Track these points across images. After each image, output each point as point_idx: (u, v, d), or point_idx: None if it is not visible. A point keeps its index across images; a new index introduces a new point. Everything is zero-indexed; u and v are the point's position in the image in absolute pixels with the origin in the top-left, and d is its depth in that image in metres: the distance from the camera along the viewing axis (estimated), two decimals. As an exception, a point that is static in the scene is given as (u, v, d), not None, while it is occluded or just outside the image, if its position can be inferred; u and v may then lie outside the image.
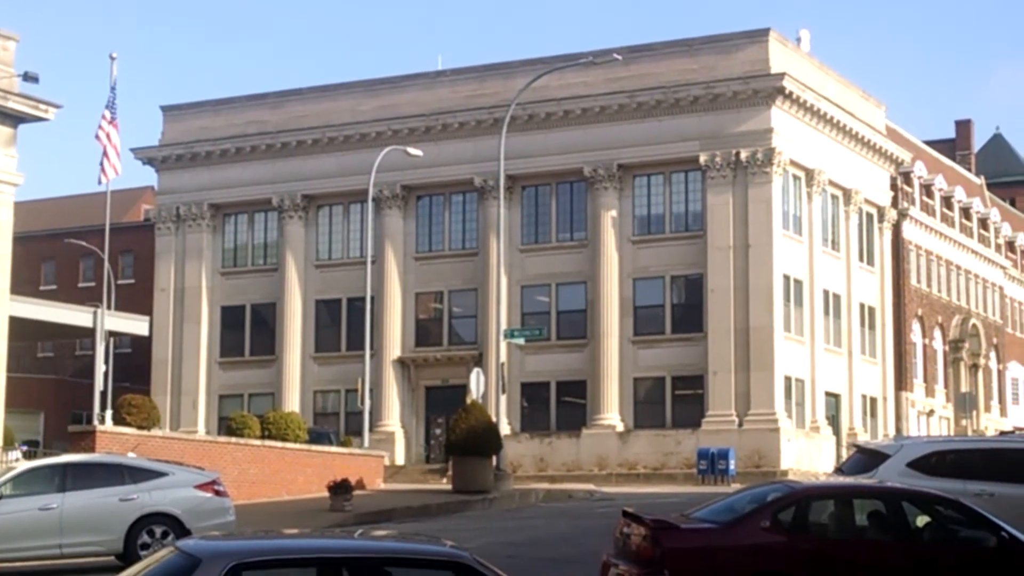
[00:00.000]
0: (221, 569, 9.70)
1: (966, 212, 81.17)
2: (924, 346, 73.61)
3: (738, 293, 58.07)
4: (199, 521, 23.96)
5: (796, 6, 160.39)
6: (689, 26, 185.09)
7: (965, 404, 72.94)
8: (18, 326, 36.06)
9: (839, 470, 23.54)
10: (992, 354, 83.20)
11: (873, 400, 67.13)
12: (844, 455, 53.82)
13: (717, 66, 59.72)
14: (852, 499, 16.28)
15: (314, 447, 44.20)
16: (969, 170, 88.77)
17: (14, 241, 34.11)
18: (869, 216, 68.27)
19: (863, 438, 60.38)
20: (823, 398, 61.67)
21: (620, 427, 59.31)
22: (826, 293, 62.99)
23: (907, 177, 72.47)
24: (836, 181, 64.16)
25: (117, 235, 62.84)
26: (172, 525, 24.00)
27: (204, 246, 68.39)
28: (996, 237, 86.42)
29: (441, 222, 64.62)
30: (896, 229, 70.71)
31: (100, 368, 41.29)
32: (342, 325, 65.11)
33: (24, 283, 59.69)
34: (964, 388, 76.28)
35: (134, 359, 71.69)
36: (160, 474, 24.77)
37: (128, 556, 23.23)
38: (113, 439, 35.68)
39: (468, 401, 44.53)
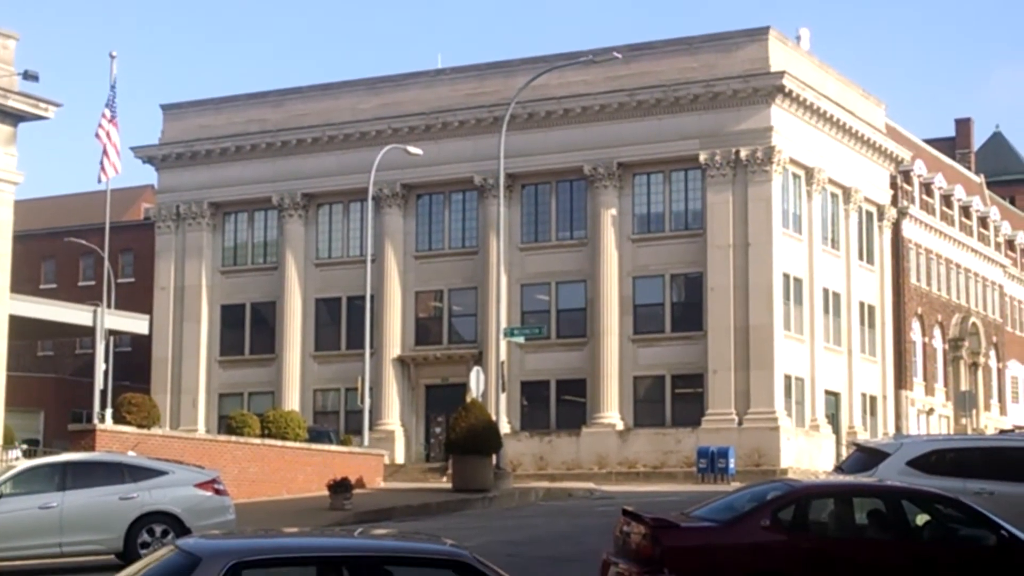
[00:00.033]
0: (221, 568, 9.71)
1: (966, 211, 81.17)
2: (924, 344, 73.62)
3: (738, 292, 58.07)
4: (199, 520, 23.97)
5: (796, 5, 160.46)
6: (689, 25, 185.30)
7: (965, 403, 72.94)
8: (18, 325, 36.07)
9: (839, 469, 23.54)
10: (992, 352, 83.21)
11: (873, 399, 67.14)
12: (844, 454, 53.83)
13: (717, 64, 59.73)
14: (852, 498, 16.27)
15: (314, 446, 44.19)
16: (969, 168, 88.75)
17: (14, 240, 34.12)
18: (869, 215, 68.27)
19: (863, 437, 60.38)
20: (823, 396, 61.68)
21: (620, 426, 59.32)
22: (826, 292, 62.99)
23: (907, 176, 72.48)
24: (836, 179, 64.17)
25: (117, 234, 62.85)
26: (172, 524, 24.01)
27: (204, 245, 68.40)
28: (996, 236, 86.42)
29: (441, 220, 64.63)
30: (896, 228, 70.71)
31: (100, 367, 41.27)
32: (342, 324, 65.12)
33: (24, 282, 59.68)
34: (964, 387, 76.29)
35: (134, 358, 71.69)
36: (160, 473, 24.78)
37: (128, 555, 23.24)
38: (113, 438, 35.68)
39: (468, 400, 44.54)
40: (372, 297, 55.67)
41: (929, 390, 73.82)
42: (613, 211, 60.68)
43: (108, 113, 41.43)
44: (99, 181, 42.43)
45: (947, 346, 76.87)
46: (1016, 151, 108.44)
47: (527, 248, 62.31)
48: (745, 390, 57.57)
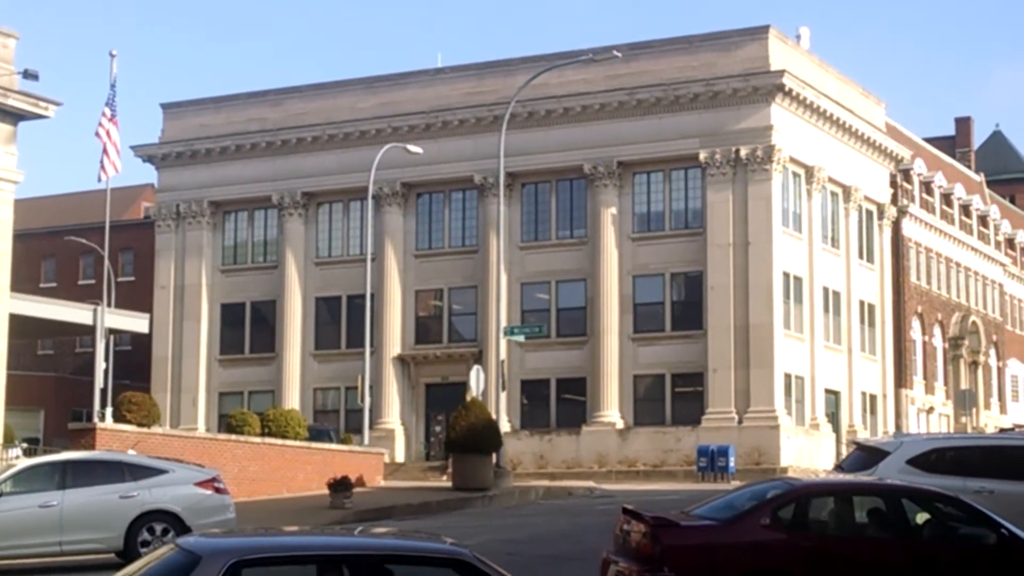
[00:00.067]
0: (221, 566, 9.70)
1: (966, 209, 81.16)
2: (924, 343, 73.63)
3: (738, 290, 58.08)
4: (199, 518, 23.97)
5: (796, 3, 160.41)
6: (689, 23, 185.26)
7: (965, 401, 72.97)
8: (18, 323, 36.09)
9: (839, 467, 23.54)
10: (992, 351, 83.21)
11: (873, 397, 67.14)
12: (844, 452, 53.81)
13: (717, 63, 59.72)
14: (852, 496, 16.26)
15: (314, 444, 44.19)
16: (969, 167, 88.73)
17: (14, 238, 34.15)
18: (869, 213, 68.27)
19: (863, 435, 60.40)
20: (823, 395, 61.68)
21: (620, 424, 59.32)
22: (826, 290, 62.99)
23: (907, 174, 72.48)
24: (836, 178, 64.17)
25: (117, 232, 62.83)
26: (172, 522, 24.01)
27: (204, 243, 68.40)
28: (996, 234, 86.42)
29: (441, 219, 64.63)
30: (896, 226, 70.71)
31: (100, 365, 41.26)
32: (342, 322, 65.13)
33: (24, 281, 59.68)
34: (964, 385, 76.30)
35: (134, 356, 71.69)
36: (160, 471, 24.78)
37: (128, 553, 23.23)
38: (113, 436, 35.67)
39: (468, 398, 44.54)
40: (372, 296, 55.66)
41: (929, 389, 73.83)
42: (613, 210, 60.67)
43: (108, 112, 41.41)
44: (99, 180, 42.42)
45: (947, 345, 76.87)
46: (1016, 150, 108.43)
47: (527, 247, 62.31)
48: (745, 389, 57.57)
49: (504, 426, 46.89)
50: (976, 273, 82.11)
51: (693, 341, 58.94)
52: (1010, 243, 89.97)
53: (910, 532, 15.86)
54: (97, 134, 41.28)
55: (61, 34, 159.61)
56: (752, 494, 16.30)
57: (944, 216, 77.52)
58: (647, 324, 60.11)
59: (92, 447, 33.58)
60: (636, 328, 60.14)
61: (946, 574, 15.39)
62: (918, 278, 73.17)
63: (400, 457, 61.32)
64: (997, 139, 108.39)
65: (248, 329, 67.84)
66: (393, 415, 63.31)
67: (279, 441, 42.04)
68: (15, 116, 32.85)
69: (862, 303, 66.54)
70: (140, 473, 24.55)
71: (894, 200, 70.29)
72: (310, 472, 41.34)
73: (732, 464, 53.41)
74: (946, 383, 76.25)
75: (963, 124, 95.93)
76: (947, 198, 78.30)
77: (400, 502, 37.17)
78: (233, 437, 40.79)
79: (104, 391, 44.20)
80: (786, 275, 59.44)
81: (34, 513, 23.67)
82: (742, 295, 57.97)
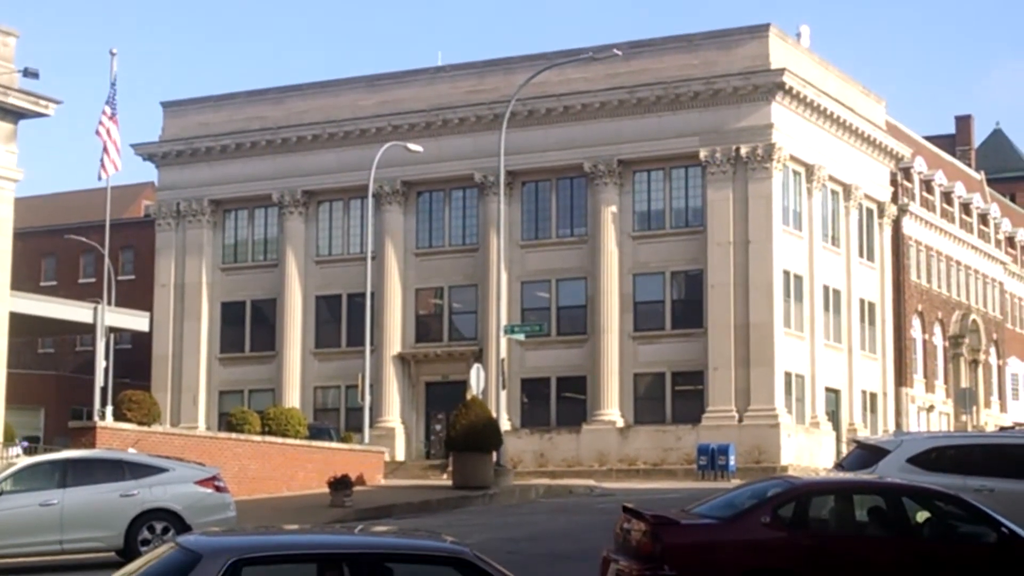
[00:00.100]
0: (222, 565, 9.70)
1: (966, 208, 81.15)
2: (924, 342, 73.61)
3: (738, 289, 58.07)
4: (199, 517, 23.97)
5: (796, 2, 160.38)
6: (689, 22, 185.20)
7: (965, 400, 72.95)
8: (18, 322, 36.08)
9: (839, 466, 23.52)
10: (992, 350, 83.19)
11: (873, 396, 67.14)
12: (844, 451, 53.81)
13: (717, 62, 59.71)
14: (852, 495, 16.26)
15: (314, 443, 44.20)
16: (969, 166, 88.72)
17: (14, 237, 34.14)
18: (869, 212, 68.26)
19: (863, 434, 60.38)
20: (823, 394, 61.67)
21: (620, 423, 59.33)
22: (826, 289, 62.99)
23: (907, 173, 72.46)
24: (836, 177, 64.17)
25: (117, 231, 62.86)
26: (173, 521, 24.01)
27: (204, 242, 68.39)
28: (996, 233, 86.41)
29: (441, 218, 64.62)
30: (896, 225, 70.70)
31: (100, 364, 41.22)
32: (342, 321, 65.13)
33: (24, 279, 59.66)
34: (964, 384, 76.29)
35: (134, 355, 71.70)
36: (160, 470, 24.79)
37: (129, 552, 23.24)
38: (113, 435, 35.68)
39: (468, 397, 44.56)
40: (372, 294, 55.67)
41: (929, 387, 73.82)
42: (613, 208, 60.67)
43: (108, 110, 41.39)
44: (99, 178, 42.40)
45: (947, 343, 76.86)
46: (1016, 148, 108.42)
47: (527, 245, 62.31)
48: (745, 387, 57.57)
49: (504, 424, 46.88)
50: (976, 271, 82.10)
51: (693, 339, 58.94)
52: (1010, 241, 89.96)
53: (910, 531, 15.85)
54: (97, 132, 41.27)
55: (61, 32, 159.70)
56: (752, 492, 16.29)
57: (944, 214, 77.51)
58: (647, 322, 60.11)
59: (92, 446, 33.58)
60: (636, 326, 60.15)
61: (946, 572, 15.39)
62: (918, 276, 73.16)
63: (400, 456, 61.33)
64: (997, 137, 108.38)
65: (248, 328, 67.84)
66: (393, 414, 63.31)
67: (279, 440, 42.06)
68: (15, 114, 32.85)
69: (862, 301, 66.54)
70: (140, 472, 24.55)
71: (894, 198, 70.28)
72: (310, 471, 41.34)
73: (732, 462, 53.41)
74: (946, 381, 76.25)
75: (963, 122, 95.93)
76: (947, 196, 78.28)
77: (400, 501, 37.18)
78: (233, 436, 40.80)
79: (104, 389, 44.16)
80: (786, 273, 59.44)
81: (34, 512, 23.68)
82: (742, 293, 57.97)
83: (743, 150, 58.59)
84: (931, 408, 73.31)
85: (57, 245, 79.47)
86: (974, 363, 79.14)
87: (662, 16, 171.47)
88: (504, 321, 47.98)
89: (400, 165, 61.05)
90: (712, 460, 53.71)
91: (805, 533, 15.45)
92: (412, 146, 53.44)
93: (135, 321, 46.94)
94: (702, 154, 59.10)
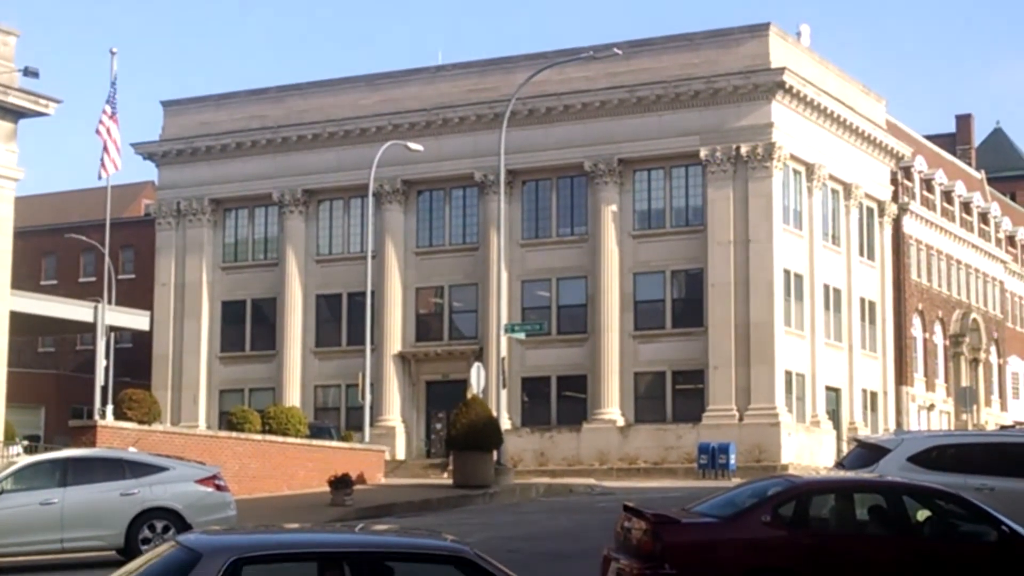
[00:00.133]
0: (222, 564, 9.70)
1: (966, 207, 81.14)
2: (924, 340, 73.61)
3: (738, 288, 58.07)
4: (200, 516, 23.98)
5: (796, 1, 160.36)
6: (689, 21, 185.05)
7: (965, 398, 72.97)
8: (19, 321, 36.09)
9: (840, 464, 23.54)
10: (992, 348, 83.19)
11: (873, 394, 67.14)
12: (844, 449, 53.84)
13: (717, 61, 59.71)
14: (853, 493, 16.27)
15: (315, 442, 44.21)
16: (970, 165, 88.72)
17: (15, 236, 34.15)
18: (869, 211, 68.26)
19: (863, 432, 60.41)
20: (823, 392, 61.67)
21: (621, 422, 59.33)
22: (826, 288, 62.98)
23: (907, 172, 72.46)
24: (836, 176, 64.16)
25: (118, 230, 62.86)
26: (173, 520, 24.01)
27: (205, 241, 68.40)
28: (996, 232, 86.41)
29: (441, 217, 64.62)
30: (896, 224, 70.70)
31: (101, 363, 41.23)
32: (343, 320, 65.14)
33: (25, 278, 59.67)
34: (964, 382, 76.29)
35: (135, 354, 71.70)
36: (161, 469, 24.78)
37: (129, 551, 23.24)
38: (114, 434, 35.68)
39: (469, 396, 44.57)
40: (373, 293, 55.67)
41: (930, 386, 73.82)
42: (614, 207, 60.66)
43: (109, 109, 41.39)
44: (100, 177, 42.39)
45: (948, 342, 76.86)
46: (1017, 147, 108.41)
47: (528, 244, 62.31)
48: (746, 386, 57.57)
49: (505, 423, 46.88)
50: (977, 270, 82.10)
51: (694, 338, 58.94)
52: (1011, 240, 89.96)
53: (911, 529, 15.86)
54: (98, 131, 41.25)
55: (62, 32, 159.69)
56: (753, 491, 16.29)
57: (945, 213, 77.50)
58: (648, 321, 60.12)
59: (93, 444, 33.58)
60: (637, 325, 60.15)
61: (947, 571, 15.39)
62: (919, 275, 73.16)
63: (401, 454, 61.35)
64: (998, 136, 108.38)
65: (249, 326, 67.85)
66: (394, 412, 63.32)
67: (280, 438, 42.06)
68: (15, 114, 32.85)
69: (863, 300, 66.54)
70: (141, 470, 24.55)
71: (895, 197, 70.27)
72: (311, 469, 41.35)
73: (733, 461, 53.42)
74: (947, 380, 76.25)
75: (964, 121, 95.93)
76: (948, 195, 78.27)
77: (401, 499, 37.18)
78: (234, 434, 40.81)
79: (105, 388, 44.19)
80: (787, 272, 59.44)
81: (35, 511, 23.68)
82: (743, 292, 57.97)
83: (743, 149, 58.59)
84: (931, 407, 73.31)
85: (57, 244, 79.48)
86: (974, 362, 79.14)
87: (662, 15, 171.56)
88: (504, 320, 48.00)
89: (400, 164, 61.06)
90: (712, 459, 53.72)
91: (805, 532, 15.45)
92: (412, 145, 53.43)
93: (135, 320, 46.95)
94: (702, 153, 59.10)
